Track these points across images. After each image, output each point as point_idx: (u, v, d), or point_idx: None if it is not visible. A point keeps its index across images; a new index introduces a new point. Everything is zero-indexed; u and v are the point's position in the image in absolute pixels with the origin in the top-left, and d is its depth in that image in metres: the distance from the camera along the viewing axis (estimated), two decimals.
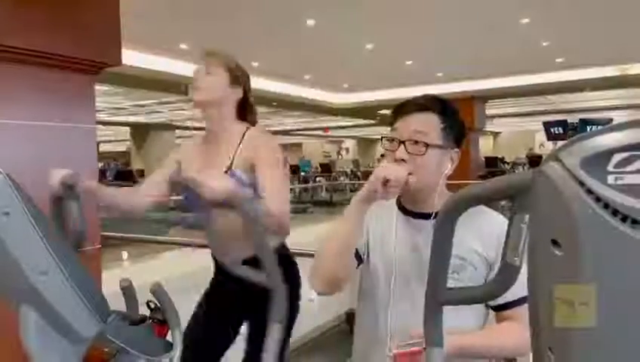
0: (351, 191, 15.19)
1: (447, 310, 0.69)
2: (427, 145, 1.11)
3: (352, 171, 19.04)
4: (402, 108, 1.17)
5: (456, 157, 1.18)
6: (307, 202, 13.46)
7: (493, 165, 14.23)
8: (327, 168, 15.73)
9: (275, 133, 19.48)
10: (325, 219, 10.47)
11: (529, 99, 12.95)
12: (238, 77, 1.61)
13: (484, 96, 11.14)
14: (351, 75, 10.40)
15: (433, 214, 1.14)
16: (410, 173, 1.08)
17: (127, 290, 1.10)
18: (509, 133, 25.40)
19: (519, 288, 0.44)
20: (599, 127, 0.37)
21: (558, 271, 0.38)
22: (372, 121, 16.73)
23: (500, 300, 1.11)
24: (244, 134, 1.55)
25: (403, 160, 1.11)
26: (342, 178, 16.69)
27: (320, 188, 15.01)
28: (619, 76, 9.45)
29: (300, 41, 7.35)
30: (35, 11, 2.07)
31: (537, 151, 19.57)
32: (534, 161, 13.73)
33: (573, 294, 0.38)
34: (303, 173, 15.86)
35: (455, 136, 1.17)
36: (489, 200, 0.66)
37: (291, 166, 15.66)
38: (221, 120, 1.58)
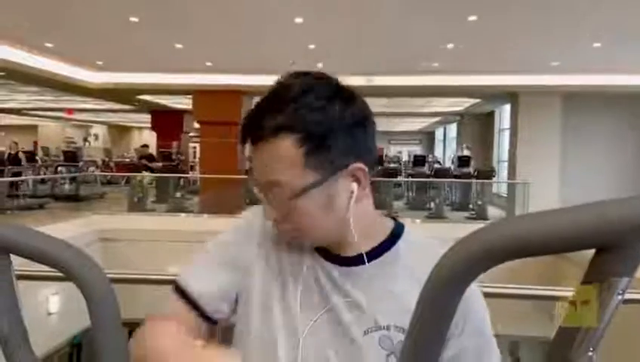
0: (102, 183, 13.47)
1: None
2: (290, 198, 0.74)
3: (103, 161, 17.27)
4: (249, 129, 0.76)
5: (362, 172, 0.75)
6: (45, 196, 11.25)
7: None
8: (72, 157, 13.37)
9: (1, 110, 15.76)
10: (69, 216, 8.82)
11: None
12: None
13: (253, 92, 11.24)
14: (108, 50, 9.05)
15: (365, 257, 0.77)
16: None
17: None
18: None
19: None
20: None
21: None
22: (130, 106, 15.19)
23: None
24: None
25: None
26: (91, 168, 14.75)
27: (63, 180, 12.75)
28: (364, 86, 10.79)
29: None
30: None
31: None
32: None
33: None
34: (40, 162, 13.28)
35: (343, 151, 0.74)
36: (551, 250, 0.40)
37: (26, 152, 12.85)
38: None
